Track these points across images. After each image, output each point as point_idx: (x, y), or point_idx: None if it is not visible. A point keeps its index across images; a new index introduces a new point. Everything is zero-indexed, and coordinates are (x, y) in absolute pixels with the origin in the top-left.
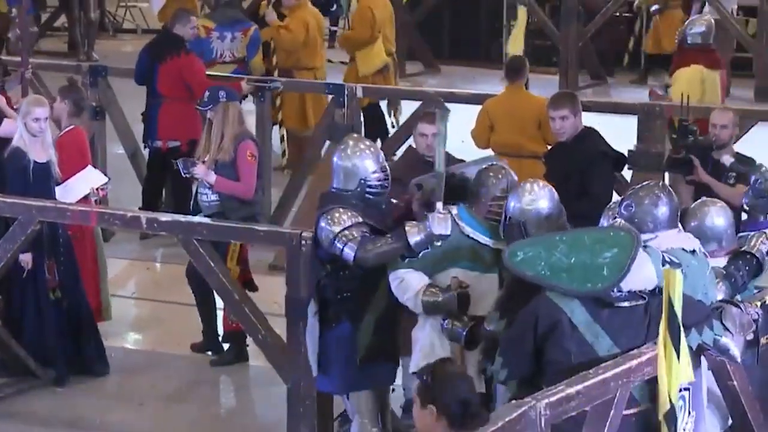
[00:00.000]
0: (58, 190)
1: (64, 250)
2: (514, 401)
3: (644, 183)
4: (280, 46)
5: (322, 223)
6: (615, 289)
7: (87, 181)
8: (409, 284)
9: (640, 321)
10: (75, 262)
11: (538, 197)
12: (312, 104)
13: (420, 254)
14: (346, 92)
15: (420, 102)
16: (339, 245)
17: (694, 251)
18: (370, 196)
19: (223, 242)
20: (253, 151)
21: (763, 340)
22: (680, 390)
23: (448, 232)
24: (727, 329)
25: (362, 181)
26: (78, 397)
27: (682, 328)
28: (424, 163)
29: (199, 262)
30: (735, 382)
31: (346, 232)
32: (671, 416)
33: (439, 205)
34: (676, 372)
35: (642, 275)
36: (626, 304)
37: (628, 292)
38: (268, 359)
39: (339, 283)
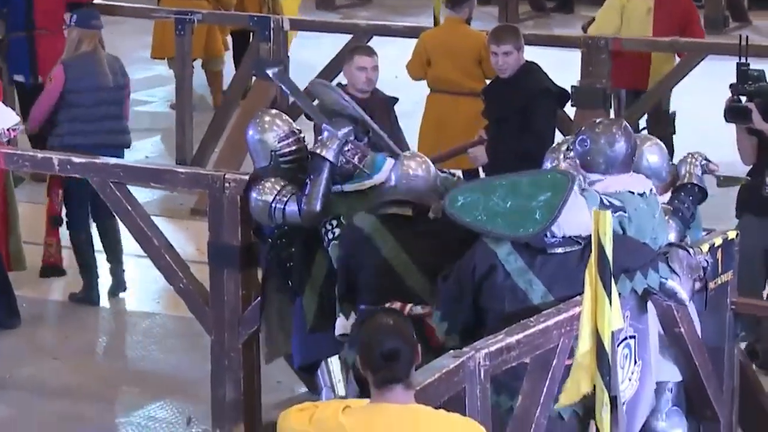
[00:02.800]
0: None
1: None
2: (452, 351)
3: (603, 120)
4: None
5: (254, 195)
6: (548, 234)
7: None
8: None
9: (575, 267)
10: None
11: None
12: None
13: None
14: (271, 25)
15: (351, 36)
16: (279, 207)
17: (643, 194)
18: (286, 165)
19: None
20: (52, 74)
21: (711, 285)
22: (626, 338)
23: (347, 128)
24: (673, 271)
25: (273, 154)
26: None
27: (612, 272)
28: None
29: (116, 205)
30: (682, 329)
31: (279, 194)
32: (604, 364)
33: (325, 125)
34: (608, 317)
35: (577, 219)
36: (560, 250)
37: (563, 237)
38: (190, 309)
39: (282, 253)
